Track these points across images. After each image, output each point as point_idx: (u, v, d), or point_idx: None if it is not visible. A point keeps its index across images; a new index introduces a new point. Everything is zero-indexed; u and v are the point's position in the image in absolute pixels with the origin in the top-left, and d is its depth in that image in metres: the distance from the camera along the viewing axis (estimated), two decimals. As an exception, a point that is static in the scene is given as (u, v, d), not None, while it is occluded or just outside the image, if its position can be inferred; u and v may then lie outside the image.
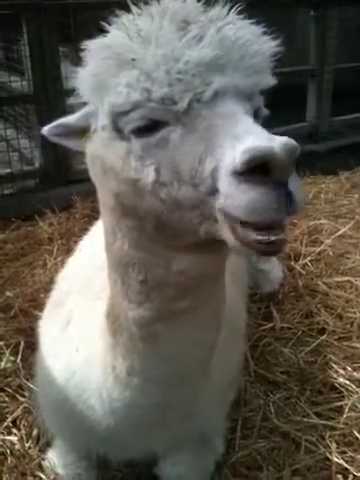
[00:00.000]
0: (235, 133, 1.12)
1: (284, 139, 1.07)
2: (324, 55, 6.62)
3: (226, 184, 1.11)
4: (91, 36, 1.34)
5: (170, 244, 1.36)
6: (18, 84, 5.46)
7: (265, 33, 1.36)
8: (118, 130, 1.29)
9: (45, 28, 4.85)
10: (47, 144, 5.00)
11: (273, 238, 1.12)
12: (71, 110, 1.47)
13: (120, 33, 1.30)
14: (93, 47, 1.32)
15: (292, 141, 1.08)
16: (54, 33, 4.94)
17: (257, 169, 1.06)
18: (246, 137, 1.09)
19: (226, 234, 1.18)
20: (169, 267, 1.39)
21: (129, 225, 1.41)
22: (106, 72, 1.29)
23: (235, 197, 1.10)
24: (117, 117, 1.28)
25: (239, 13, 1.36)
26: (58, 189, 5.15)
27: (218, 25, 1.26)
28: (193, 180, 1.18)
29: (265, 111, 1.39)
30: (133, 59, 1.24)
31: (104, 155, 1.36)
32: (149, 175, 1.24)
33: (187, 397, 1.79)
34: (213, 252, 1.32)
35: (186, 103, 1.20)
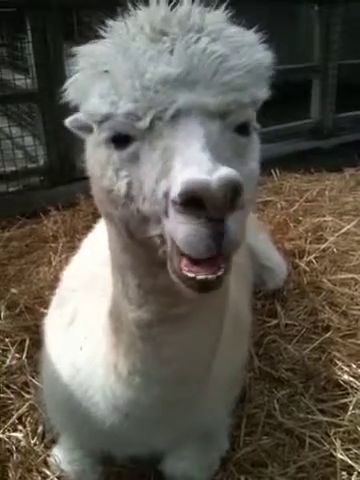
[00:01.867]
0: (185, 159, 1.09)
1: (224, 174, 1.03)
2: (328, 51, 6.60)
3: (170, 211, 1.11)
4: (95, 34, 1.34)
5: (147, 256, 1.35)
6: (22, 82, 5.47)
7: (255, 42, 1.30)
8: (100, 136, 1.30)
9: (49, 26, 4.85)
10: (51, 142, 5.03)
11: (199, 277, 1.11)
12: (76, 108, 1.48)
13: (103, 41, 1.30)
14: (79, 54, 1.32)
15: (233, 176, 1.03)
16: (58, 31, 4.94)
17: (195, 201, 1.03)
18: (190, 166, 1.06)
19: (168, 265, 1.18)
20: (156, 278, 1.39)
21: (113, 230, 1.43)
22: (85, 80, 1.30)
23: (173, 226, 1.10)
24: (97, 124, 1.29)
25: (234, 16, 1.32)
26: (63, 187, 5.15)
27: (192, 37, 1.21)
28: (152, 199, 1.18)
29: (256, 125, 1.33)
30: (105, 71, 1.24)
31: (91, 159, 1.37)
32: (122, 188, 1.24)
33: (189, 396, 1.80)
34: None
35: (148, 121, 1.17)
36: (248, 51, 1.26)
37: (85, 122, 1.41)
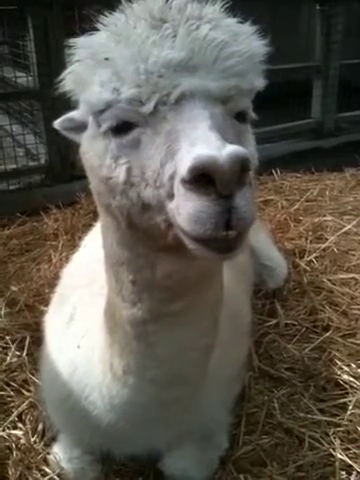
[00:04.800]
0: (192, 139, 1.10)
1: (233, 149, 1.04)
2: (330, 51, 6.59)
3: (177, 191, 1.11)
4: (92, 28, 1.34)
5: (148, 245, 1.35)
6: (23, 79, 5.47)
7: (252, 32, 1.32)
8: (100, 128, 1.29)
9: (50, 23, 4.85)
10: (52, 140, 5.02)
11: (223, 233, 1.08)
12: (76, 106, 1.47)
13: (101, 32, 1.31)
14: (76, 45, 1.33)
15: (241, 152, 1.05)
16: (59, 28, 4.93)
17: (204, 179, 1.04)
18: (198, 144, 1.07)
19: (183, 237, 1.16)
20: (154, 270, 1.39)
21: (111, 223, 1.43)
22: (85, 71, 1.30)
23: (180, 205, 1.10)
24: (96, 115, 1.29)
25: (229, 9, 1.33)
26: (63, 185, 5.15)
27: (193, 24, 1.23)
28: (156, 183, 1.18)
29: (252, 115, 1.35)
30: (106, 58, 1.24)
31: (88, 152, 1.37)
32: (120, 174, 1.24)
33: (185, 396, 1.80)
34: (192, 257, 1.23)
35: (152, 105, 1.18)
36: (246, 39, 1.29)
37: (79, 120, 1.41)
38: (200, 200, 1.06)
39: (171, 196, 1.14)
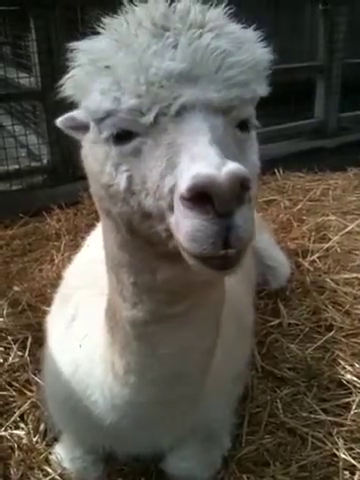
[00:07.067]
0: (193, 154, 1.08)
1: (232, 168, 1.02)
2: (333, 50, 6.58)
3: (176, 206, 1.10)
4: (92, 31, 1.33)
5: (149, 251, 1.34)
6: (26, 80, 5.47)
7: (256, 39, 1.30)
8: (101, 134, 1.28)
9: (53, 24, 4.86)
10: (55, 140, 5.03)
11: (222, 252, 1.07)
12: (77, 106, 1.47)
13: (102, 38, 1.29)
14: (77, 50, 1.31)
15: (241, 171, 1.03)
16: (62, 29, 4.94)
17: (203, 196, 1.03)
18: (198, 161, 1.05)
19: (182, 252, 1.15)
20: (155, 274, 1.39)
21: (111, 227, 1.42)
22: (85, 77, 1.28)
23: (180, 222, 1.09)
24: (97, 122, 1.28)
25: (233, 9, 1.31)
26: (66, 185, 5.15)
27: (195, 33, 1.20)
28: (156, 194, 1.17)
29: (255, 122, 1.33)
30: (107, 66, 1.22)
31: (89, 156, 1.36)
32: (121, 182, 1.23)
33: (186, 396, 1.79)
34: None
35: (152, 116, 1.16)
36: (250, 47, 1.26)
37: (81, 121, 1.40)
38: (198, 218, 1.05)
39: (171, 208, 1.13)
